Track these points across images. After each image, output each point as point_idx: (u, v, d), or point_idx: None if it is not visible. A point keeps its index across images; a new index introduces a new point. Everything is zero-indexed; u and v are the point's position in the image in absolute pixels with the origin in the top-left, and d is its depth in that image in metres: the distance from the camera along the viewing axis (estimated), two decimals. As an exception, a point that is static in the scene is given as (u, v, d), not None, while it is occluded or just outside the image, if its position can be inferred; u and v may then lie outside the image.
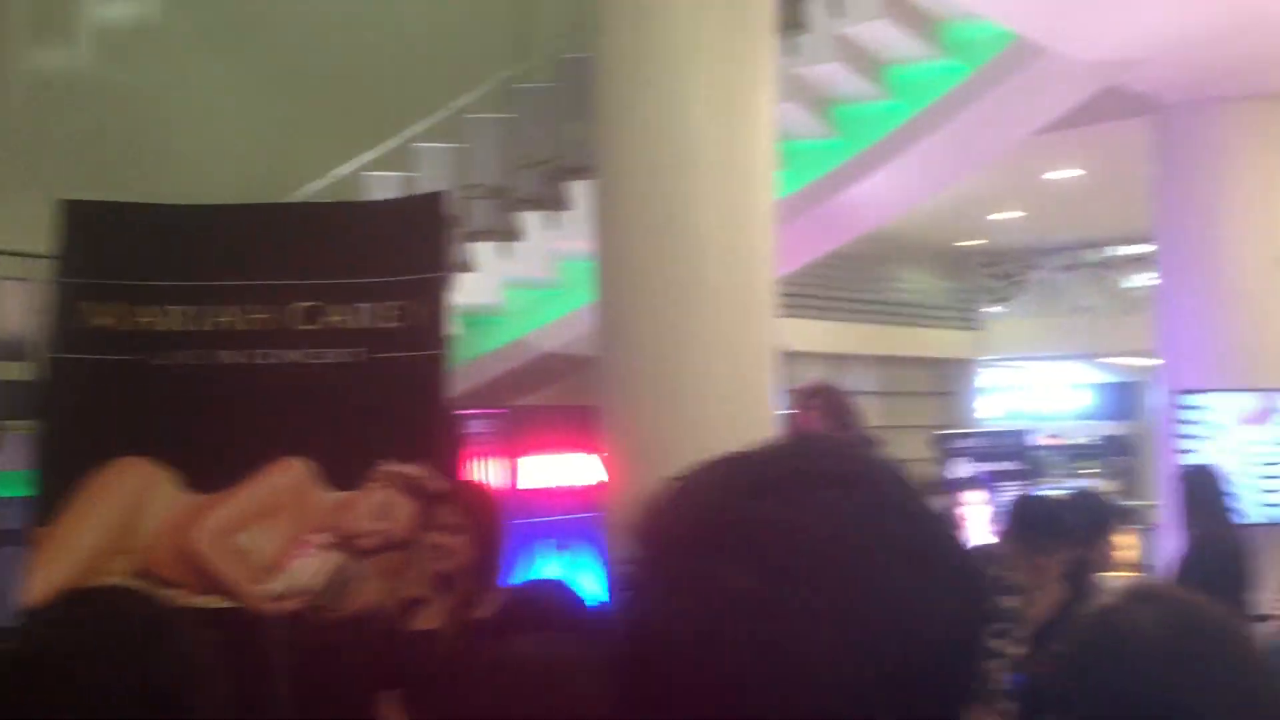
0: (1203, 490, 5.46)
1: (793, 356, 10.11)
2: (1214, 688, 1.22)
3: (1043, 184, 9.47)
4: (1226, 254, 7.13)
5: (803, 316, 10.98)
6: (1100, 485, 12.26)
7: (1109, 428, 14.17)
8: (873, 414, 11.97)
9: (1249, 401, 6.78)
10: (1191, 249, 7.26)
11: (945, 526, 0.73)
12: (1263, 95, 6.97)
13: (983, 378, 14.06)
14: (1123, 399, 13.55)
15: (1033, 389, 15.39)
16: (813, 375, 9.13)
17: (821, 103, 6.80)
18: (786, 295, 10.43)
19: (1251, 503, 6.27)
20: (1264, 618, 4.75)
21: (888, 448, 11.65)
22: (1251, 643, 1.36)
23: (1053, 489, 10.91)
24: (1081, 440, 15.10)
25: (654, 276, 4.01)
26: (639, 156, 4.09)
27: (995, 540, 4.22)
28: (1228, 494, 5.60)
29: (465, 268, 6.61)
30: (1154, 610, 1.33)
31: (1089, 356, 13.57)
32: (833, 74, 6.63)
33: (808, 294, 11.04)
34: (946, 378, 13.23)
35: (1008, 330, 13.45)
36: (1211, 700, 1.22)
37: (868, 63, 6.64)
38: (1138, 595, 1.41)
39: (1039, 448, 15.09)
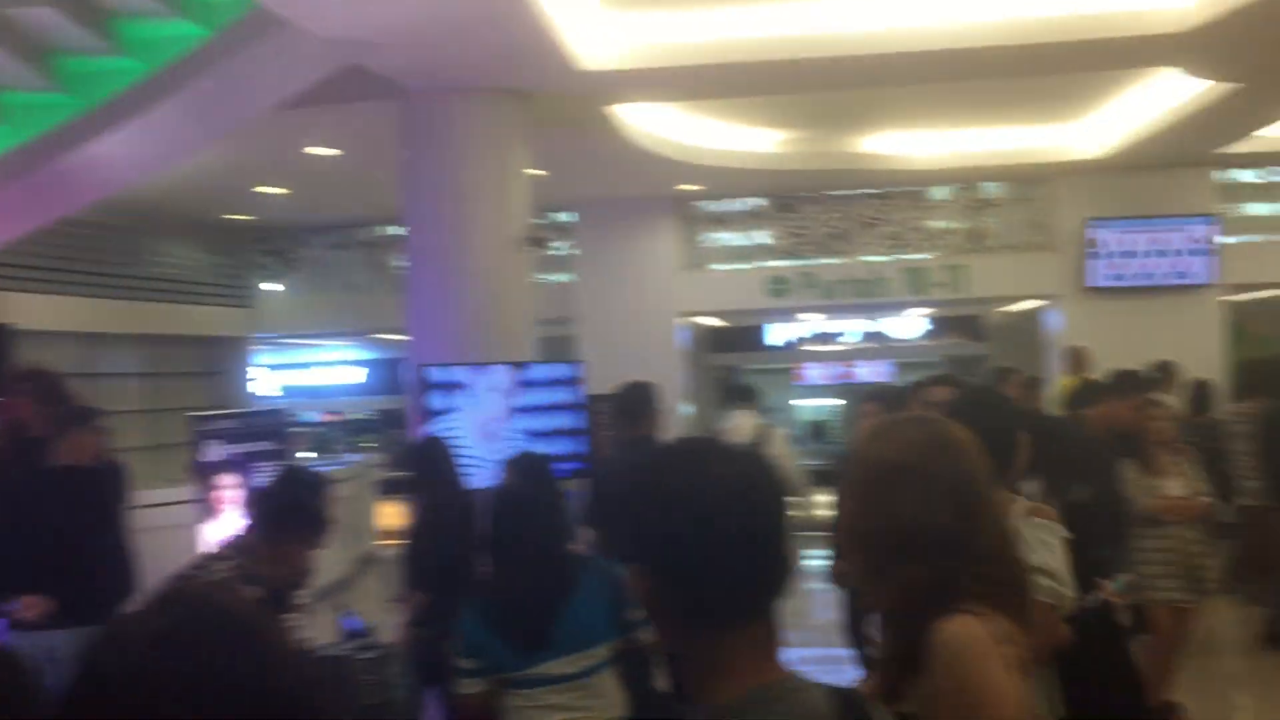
0: (432, 458, 5.73)
1: (29, 336, 9.07)
2: (224, 695, 1.14)
3: (304, 160, 9.42)
4: (468, 237, 7.56)
5: (44, 292, 9.89)
6: (375, 458, 12.64)
7: (382, 403, 14.68)
8: (136, 397, 11.21)
9: (487, 375, 7.28)
10: (436, 231, 7.60)
11: None
12: (495, 89, 7.48)
13: (257, 356, 13.79)
14: (392, 375, 14.08)
15: (310, 367, 15.48)
16: (51, 357, 8.26)
17: (38, 52, 6.07)
18: (16, 267, 9.41)
19: (481, 467, 6.72)
20: (479, 574, 5.06)
21: (148, 430, 10.98)
22: (284, 646, 1.29)
23: (327, 465, 11.00)
24: (358, 415, 15.51)
25: None
26: None
27: (243, 531, 4.03)
28: (457, 461, 5.93)
29: None
30: (172, 615, 1.22)
31: (362, 334, 13.90)
32: (49, 20, 5.93)
33: (50, 267, 9.97)
34: (218, 357, 12.75)
35: (282, 308, 13.32)
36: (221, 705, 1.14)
37: (91, 12, 6.04)
38: (165, 599, 1.29)
39: (318, 424, 15.24)
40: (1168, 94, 9.31)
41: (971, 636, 1.92)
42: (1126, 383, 6.40)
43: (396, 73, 7.05)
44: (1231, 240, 11.99)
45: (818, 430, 17.09)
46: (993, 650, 1.92)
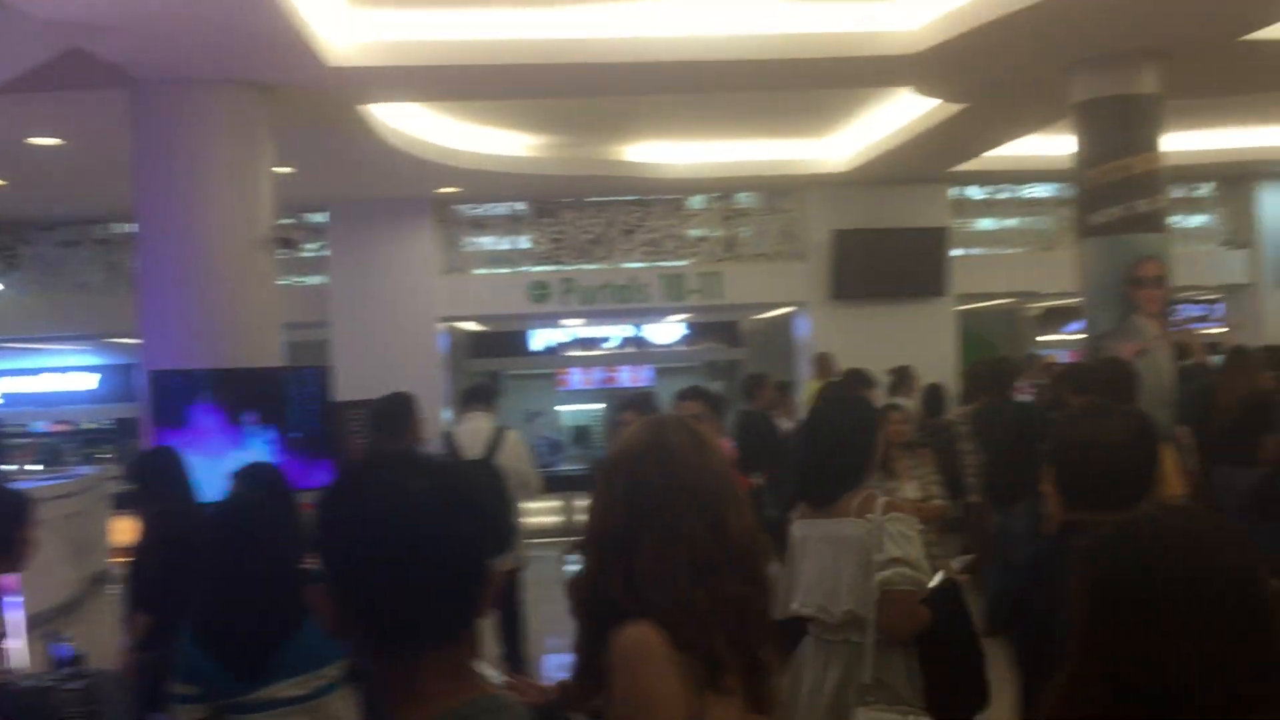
0: (160, 470, 5.37)
1: None
2: None
3: (24, 150, 8.73)
4: (205, 235, 7.17)
5: None
6: (109, 470, 11.84)
7: (120, 410, 13.79)
8: None
9: (214, 379, 6.93)
10: (171, 229, 7.16)
11: None
12: (234, 80, 7.12)
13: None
14: (130, 381, 13.25)
15: (37, 372, 14.39)
16: None
17: None
18: None
19: (212, 480, 6.35)
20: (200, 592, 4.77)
21: None
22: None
23: (54, 478, 10.23)
24: (92, 425, 14.52)
25: None
26: None
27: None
28: (187, 473, 5.57)
29: None
30: None
31: (96, 337, 13.01)
32: None
33: None
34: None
35: (4, 309, 12.29)
36: None
37: None
38: None
39: (47, 434, 14.18)
40: (905, 113, 9.82)
41: (643, 643, 1.88)
42: (855, 381, 6.65)
43: (123, 59, 6.61)
44: (962, 253, 12.78)
45: (581, 435, 17.18)
46: (664, 658, 1.86)
